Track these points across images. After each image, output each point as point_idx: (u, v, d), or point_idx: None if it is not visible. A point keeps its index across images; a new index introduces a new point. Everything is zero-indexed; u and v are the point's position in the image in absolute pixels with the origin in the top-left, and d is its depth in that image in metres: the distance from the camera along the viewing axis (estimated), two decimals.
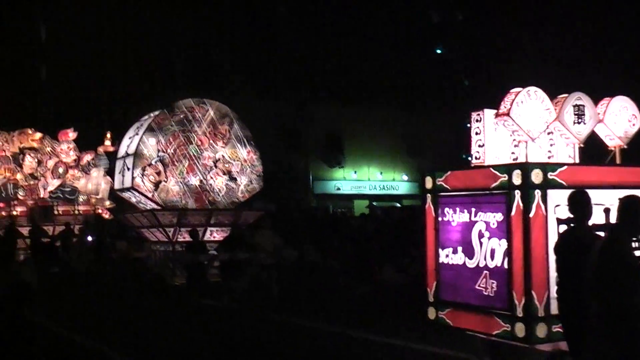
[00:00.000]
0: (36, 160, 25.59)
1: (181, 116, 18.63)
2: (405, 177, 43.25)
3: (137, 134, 18.65)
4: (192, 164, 18.64)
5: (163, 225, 18.06)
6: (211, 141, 18.89)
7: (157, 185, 18.24)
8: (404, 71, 41.58)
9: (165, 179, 18.32)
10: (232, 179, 19.14)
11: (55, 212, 25.23)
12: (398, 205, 38.04)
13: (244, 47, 39.40)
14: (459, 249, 8.02)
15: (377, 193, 42.23)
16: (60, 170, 25.71)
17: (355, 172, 42.24)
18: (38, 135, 25.88)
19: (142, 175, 18.10)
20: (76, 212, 25.51)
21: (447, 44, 45.15)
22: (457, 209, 8.11)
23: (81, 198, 25.84)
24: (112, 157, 25.32)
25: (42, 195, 25.54)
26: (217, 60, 40.09)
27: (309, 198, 40.02)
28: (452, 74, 43.39)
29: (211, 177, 18.85)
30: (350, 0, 40.73)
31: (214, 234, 18.63)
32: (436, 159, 38.76)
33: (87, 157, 26.14)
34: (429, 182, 8.40)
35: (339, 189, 41.82)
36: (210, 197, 18.86)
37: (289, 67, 39.47)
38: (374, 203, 37.33)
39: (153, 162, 18.23)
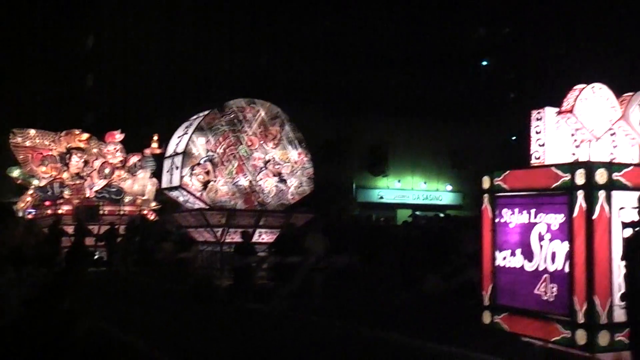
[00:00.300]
0: (83, 160, 25.44)
1: (231, 116, 18.06)
2: (449, 188, 42.51)
3: (186, 132, 18.12)
4: (241, 164, 18.04)
5: (212, 225, 17.49)
6: (261, 142, 18.30)
7: (205, 184, 17.67)
8: (450, 82, 40.99)
9: (214, 179, 17.74)
10: (282, 180, 18.52)
11: (101, 212, 25.08)
12: (441, 215, 37.28)
13: (290, 56, 38.94)
14: (518, 251, 7.71)
15: (420, 203, 41.46)
16: (107, 170, 25.54)
17: (399, 181, 41.62)
18: (85, 135, 25.78)
19: (191, 174, 17.54)
20: (121, 212, 25.32)
21: (493, 57, 44.34)
22: (516, 210, 7.81)
23: (127, 199, 25.65)
24: (158, 159, 25.11)
25: (88, 195, 25.38)
26: (263, 69, 39.67)
27: (352, 206, 39.38)
28: (497, 87, 42.63)
29: (261, 179, 18.24)
30: (397, 13, 40.14)
31: (263, 236, 18.02)
32: (480, 171, 37.94)
33: (134, 159, 26.01)
34: (486, 182, 8.18)
35: (382, 197, 41.23)
36: (260, 199, 18.24)
37: (336, 76, 38.99)
38: (417, 213, 36.65)
39: (202, 162, 17.66)
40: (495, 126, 41.45)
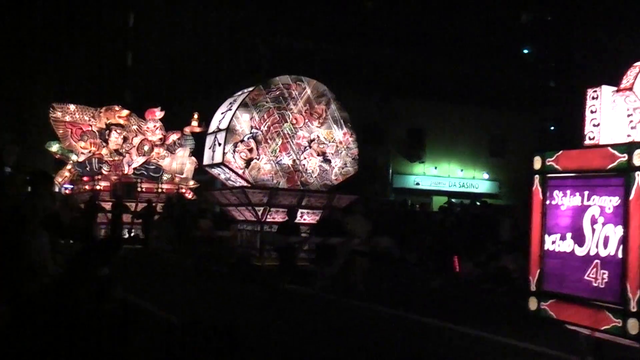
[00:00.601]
0: (122, 136, 24.99)
1: (277, 93, 17.39)
2: (485, 176, 41.58)
3: (230, 109, 17.48)
4: (285, 142, 17.39)
5: (253, 204, 16.86)
6: (307, 120, 17.62)
7: (248, 162, 17.05)
8: (490, 69, 40.05)
9: (257, 157, 17.11)
10: (326, 160, 17.84)
11: (139, 189, 24.63)
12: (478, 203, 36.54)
13: (328, 41, 38.19)
14: (568, 235, 7.17)
15: (456, 190, 40.55)
16: (146, 148, 25.07)
17: (435, 167, 40.75)
18: (125, 112, 25.25)
19: (234, 151, 16.93)
20: (159, 190, 24.82)
21: (534, 44, 43.25)
22: (568, 192, 7.27)
23: (165, 177, 25.18)
24: (198, 137, 24.55)
25: (126, 172, 24.96)
26: (304, 48, 38.97)
27: (388, 192, 38.65)
28: (538, 75, 41.57)
29: (305, 158, 17.57)
30: (439, 3, 39.22)
31: (305, 217, 17.38)
32: (518, 159, 37.49)
33: (173, 137, 25.46)
34: (537, 163, 7.51)
35: (418, 184, 40.40)
36: (303, 178, 17.59)
37: (373, 61, 38.21)
38: (453, 200, 35.91)
39: (245, 139, 17.03)
40: (533, 114, 40.52)
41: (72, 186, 25.50)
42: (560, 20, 41.00)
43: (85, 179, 24.64)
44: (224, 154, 16.90)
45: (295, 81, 17.67)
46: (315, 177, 17.72)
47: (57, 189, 26.78)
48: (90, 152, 24.57)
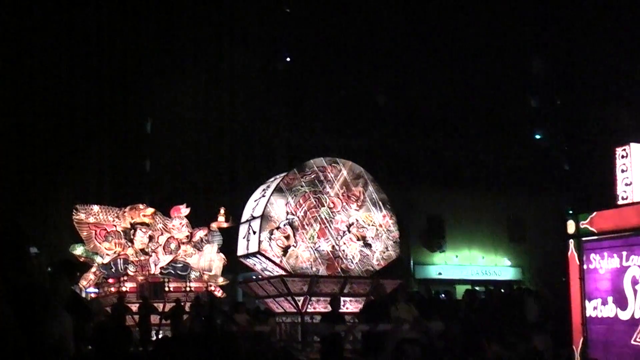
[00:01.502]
0: (147, 235, 23.51)
1: (312, 176, 16.13)
2: (507, 262, 39.90)
3: (263, 195, 16.19)
4: (323, 228, 15.99)
5: (293, 293, 15.32)
6: (344, 204, 16.27)
7: (285, 250, 15.63)
8: (504, 154, 39.13)
9: (295, 244, 15.70)
10: (367, 245, 16.39)
11: (166, 289, 23.10)
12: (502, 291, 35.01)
13: (344, 133, 37.39)
14: (609, 299, 6.90)
15: (479, 278, 38.82)
16: (172, 246, 23.58)
17: (456, 256, 39.11)
18: (150, 210, 23.90)
19: (270, 239, 15.53)
20: (188, 289, 23.23)
21: (546, 129, 42.46)
22: (605, 254, 7.01)
23: (193, 274, 23.64)
24: (225, 233, 23.46)
25: (152, 271, 23.39)
26: (318, 137, 38.17)
27: (411, 283, 36.93)
28: (552, 158, 40.62)
29: (344, 243, 16.13)
30: (453, 85, 38.62)
31: (347, 305, 15.76)
32: (539, 244, 36.24)
33: (200, 233, 24.00)
34: (571, 227, 7.50)
35: (440, 273, 38.68)
36: (343, 265, 16.11)
37: (392, 151, 37.29)
38: (477, 288, 34.33)
39: (281, 225, 15.66)
40: (551, 198, 39.30)
41: (97, 290, 24.12)
42: (569, 103, 40.33)
43: (110, 280, 23.17)
44: (259, 242, 15.51)
45: (330, 163, 16.44)
46: (356, 262, 16.25)
47: (83, 294, 25.28)
48: (115, 252, 23.17)
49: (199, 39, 41.95)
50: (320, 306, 15.63)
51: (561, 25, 39.09)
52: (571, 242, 7.48)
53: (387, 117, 38.50)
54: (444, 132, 38.45)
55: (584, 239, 7.33)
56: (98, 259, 23.18)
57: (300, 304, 15.53)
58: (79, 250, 23.38)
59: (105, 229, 23.20)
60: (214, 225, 23.89)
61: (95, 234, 23.10)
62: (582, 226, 7.39)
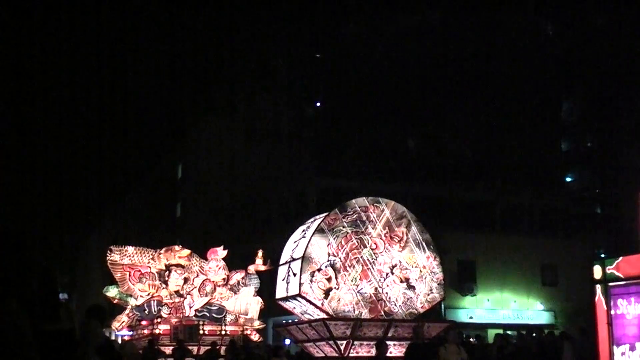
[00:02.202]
0: (182, 277, 22.65)
1: (354, 216, 15.26)
2: (540, 306, 38.63)
3: (304, 236, 15.35)
4: (366, 269, 15.08)
5: (335, 337, 14.37)
6: (387, 245, 15.37)
7: (327, 292, 14.71)
8: (537, 198, 38.21)
9: (337, 286, 14.78)
10: (411, 287, 15.44)
11: (201, 332, 22.19)
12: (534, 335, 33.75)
13: (372, 178, 36.69)
14: (637, 345, 6.74)
15: (510, 322, 37.60)
16: (208, 288, 22.72)
17: (487, 300, 37.92)
18: (186, 252, 23.05)
19: (311, 281, 14.63)
20: (223, 332, 22.34)
21: (578, 172, 41.54)
22: (633, 300, 6.86)
23: (229, 318, 22.73)
24: (262, 276, 22.70)
25: (187, 314, 22.51)
26: (344, 189, 37.50)
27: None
28: (584, 202, 39.62)
29: (387, 285, 15.20)
30: (485, 129, 37.95)
31: (391, 349, 14.78)
32: (571, 288, 35.12)
33: (237, 276, 23.12)
34: (597, 272, 7.38)
35: (471, 317, 37.44)
36: (386, 308, 15.14)
37: (423, 195, 36.49)
38: (508, 332, 33.14)
39: (323, 267, 14.77)
40: (584, 242, 38.19)
41: (131, 333, 23.34)
42: (601, 146, 39.44)
43: (144, 323, 22.34)
44: (300, 284, 14.62)
45: (372, 203, 15.60)
46: (400, 305, 15.29)
47: (113, 336, 24.48)
48: (149, 294, 22.31)
49: (231, 85, 41.76)
50: (363, 350, 14.71)
51: (593, 69, 38.39)
52: (598, 287, 7.32)
53: (418, 161, 37.88)
54: (476, 176, 37.68)
55: (610, 284, 7.15)
56: (132, 301, 22.36)
57: (342, 348, 14.58)
58: (112, 292, 22.65)
59: (140, 271, 22.37)
60: (251, 268, 23.03)
61: (130, 275, 22.27)
62: (608, 271, 7.18)
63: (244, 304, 22.44)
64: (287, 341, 30.03)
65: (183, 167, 46.26)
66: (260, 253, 22.92)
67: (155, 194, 46.10)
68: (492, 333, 34.87)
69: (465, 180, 37.28)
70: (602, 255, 39.22)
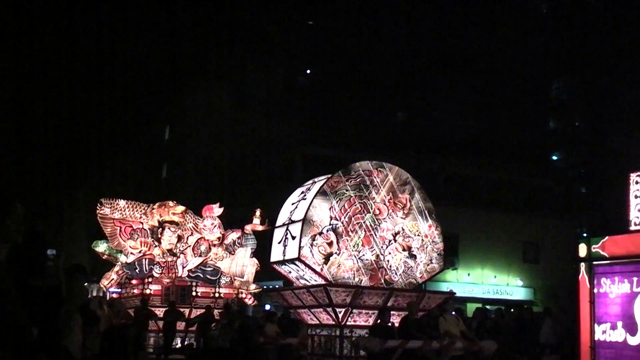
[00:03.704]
0: (176, 235, 21.27)
1: (357, 180, 14.40)
2: (520, 282, 38.31)
3: (304, 198, 14.46)
4: (368, 235, 14.25)
5: (335, 304, 13.57)
6: (390, 211, 14.54)
7: (327, 258, 13.87)
8: (522, 176, 37.67)
9: (338, 251, 13.95)
10: (412, 256, 14.66)
11: (194, 294, 21.03)
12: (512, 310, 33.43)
13: (366, 149, 35.90)
14: (619, 324, 6.89)
15: (490, 297, 37.27)
16: (202, 248, 21.33)
17: (468, 274, 37.55)
18: (180, 208, 21.62)
19: (311, 245, 13.77)
20: (216, 295, 21.14)
21: (564, 151, 41.00)
22: (616, 279, 6.95)
23: (223, 280, 21.49)
24: (260, 236, 21.27)
25: (180, 274, 21.22)
26: (332, 158, 36.66)
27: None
28: (569, 181, 39.13)
29: (389, 253, 14.40)
30: (472, 105, 37.23)
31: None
32: (552, 266, 34.83)
33: (233, 236, 21.69)
34: (582, 250, 7.51)
35: (451, 291, 36.95)
36: (387, 276, 14.35)
37: (409, 168, 35.71)
38: (487, 306, 32.76)
39: (324, 231, 13.90)
40: (567, 221, 37.75)
41: (119, 290, 22.05)
42: (589, 126, 38.87)
43: (134, 282, 21.07)
44: (299, 248, 13.75)
45: (376, 167, 14.75)
46: (400, 274, 14.52)
47: (102, 294, 23.48)
48: (140, 252, 20.98)
49: (223, 50, 40.61)
50: (361, 319, 13.96)
51: (582, 49, 37.68)
52: (582, 265, 7.28)
53: (405, 135, 37.07)
54: (462, 151, 36.99)
55: (595, 262, 7.13)
56: (122, 258, 21.10)
57: (340, 315, 13.80)
58: (101, 247, 21.31)
59: (131, 226, 21.09)
60: (248, 228, 21.60)
61: (120, 230, 21.00)
62: (593, 250, 7.20)
63: (240, 265, 21.14)
64: (267, 306, 29.27)
65: (171, 129, 45.19)
66: (258, 212, 21.63)
67: (142, 154, 44.98)
68: (471, 307, 34.51)
69: (452, 154, 36.60)
70: (585, 235, 38.93)
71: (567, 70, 39.93)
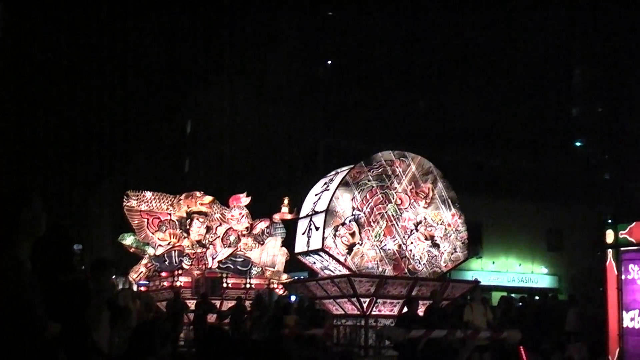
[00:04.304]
0: (205, 226, 20.87)
1: (379, 170, 14.43)
2: (544, 270, 38.06)
3: (327, 189, 14.50)
4: (390, 225, 14.26)
5: (359, 295, 13.60)
6: (412, 201, 14.54)
7: (350, 248, 13.90)
8: (545, 163, 37.35)
9: (360, 242, 13.99)
10: (435, 245, 14.65)
11: (224, 285, 20.61)
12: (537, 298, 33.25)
13: (387, 139, 35.77)
14: None
15: (515, 285, 37.05)
16: (232, 238, 20.92)
17: (493, 262, 37.34)
18: (208, 198, 21.22)
19: (335, 235, 13.80)
20: (247, 285, 20.72)
21: (587, 138, 40.57)
22: None
23: (254, 270, 21.05)
24: (289, 225, 20.88)
25: (210, 266, 20.81)
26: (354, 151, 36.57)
27: None
28: (592, 168, 38.74)
29: (411, 242, 14.40)
30: (494, 93, 36.86)
31: None
32: (576, 254, 34.49)
33: (262, 225, 21.28)
34: (610, 236, 7.42)
35: (476, 279, 36.80)
36: (410, 265, 14.37)
37: (432, 158, 35.55)
38: (512, 295, 32.60)
39: (347, 222, 13.94)
40: (591, 208, 37.39)
41: (147, 282, 21.68)
42: (611, 112, 38.43)
43: (163, 274, 20.71)
44: (323, 238, 13.80)
45: (398, 157, 14.75)
46: (424, 263, 14.51)
47: (126, 286, 23.36)
48: (169, 244, 20.59)
49: (242, 43, 40.61)
50: (385, 309, 13.99)
51: (603, 35, 37.24)
52: (609, 251, 7.23)
53: (427, 124, 36.84)
54: (484, 140, 36.72)
55: (622, 249, 7.09)
56: (150, 250, 20.67)
57: (365, 305, 13.82)
58: (128, 240, 20.83)
59: (159, 218, 20.64)
60: (277, 217, 21.11)
61: (148, 222, 20.54)
62: (621, 236, 7.16)
63: (271, 255, 20.67)
64: (293, 297, 29.25)
65: (193, 124, 45.35)
66: (286, 200, 21.21)
67: (165, 149, 45.22)
68: (496, 296, 34.35)
69: (474, 143, 36.33)
70: (609, 221, 38.58)
71: (588, 56, 39.50)
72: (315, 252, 14.27)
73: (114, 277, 20.14)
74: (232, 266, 20.88)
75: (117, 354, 6.69)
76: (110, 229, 38.05)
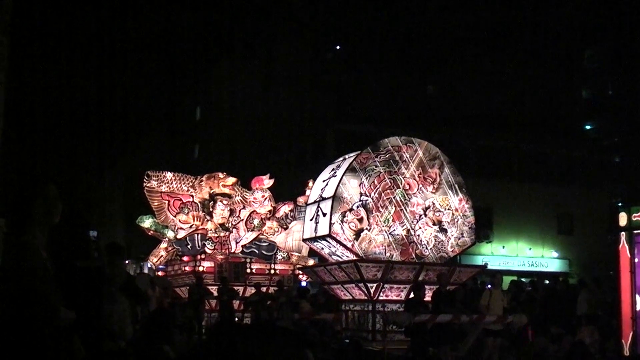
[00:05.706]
0: (228, 208, 20.20)
1: (387, 156, 14.50)
2: (555, 254, 38.02)
3: (334, 175, 14.60)
4: (398, 210, 14.35)
5: (366, 280, 13.72)
6: (420, 186, 14.60)
7: (358, 233, 14.01)
8: (555, 146, 37.21)
9: (368, 227, 14.09)
10: (442, 230, 14.73)
11: (248, 271, 19.84)
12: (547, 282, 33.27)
13: (392, 124, 35.72)
14: None
15: (525, 270, 37.05)
16: (256, 221, 20.23)
17: (503, 247, 37.34)
18: (231, 179, 20.50)
19: (342, 221, 13.91)
20: (272, 271, 20.01)
21: (597, 120, 40.38)
22: None
23: (280, 255, 20.36)
24: None
25: (233, 250, 20.14)
26: (363, 133, 36.56)
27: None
28: (603, 150, 38.58)
29: (419, 227, 14.47)
30: (504, 77, 36.72)
31: None
32: (586, 237, 34.40)
33: (285, 209, 20.65)
34: (623, 219, 7.16)
35: (486, 264, 36.79)
36: (418, 250, 14.46)
37: (441, 142, 35.53)
38: (522, 279, 32.64)
39: (354, 207, 14.04)
40: (601, 191, 37.29)
41: (164, 267, 21.01)
42: (622, 94, 38.21)
43: (185, 258, 19.84)
44: (330, 224, 13.91)
45: (405, 143, 14.82)
46: (431, 248, 14.61)
47: (145, 271, 23.12)
48: (191, 226, 19.83)
49: (251, 27, 40.56)
50: (393, 294, 14.10)
51: (614, 17, 36.98)
52: (623, 234, 7.02)
53: (436, 108, 36.78)
54: (494, 123, 36.64)
55: (635, 231, 6.91)
56: (169, 234, 20.04)
57: (372, 291, 13.94)
58: (147, 222, 20.08)
59: (181, 200, 19.90)
60: (301, 200, 19.97)
61: (169, 204, 19.84)
62: (634, 219, 6.96)
63: (297, 239, 19.47)
64: (303, 283, 29.39)
65: (202, 109, 45.39)
66: (310, 183, 20.76)
67: (174, 135, 45.32)
68: (507, 280, 34.38)
69: (484, 126, 36.25)
70: (620, 205, 38.45)
71: (599, 39, 39.26)
72: (323, 237, 14.39)
73: (128, 261, 20.01)
74: (256, 251, 20.23)
75: (132, 339, 6.62)
76: (121, 214, 38.30)
